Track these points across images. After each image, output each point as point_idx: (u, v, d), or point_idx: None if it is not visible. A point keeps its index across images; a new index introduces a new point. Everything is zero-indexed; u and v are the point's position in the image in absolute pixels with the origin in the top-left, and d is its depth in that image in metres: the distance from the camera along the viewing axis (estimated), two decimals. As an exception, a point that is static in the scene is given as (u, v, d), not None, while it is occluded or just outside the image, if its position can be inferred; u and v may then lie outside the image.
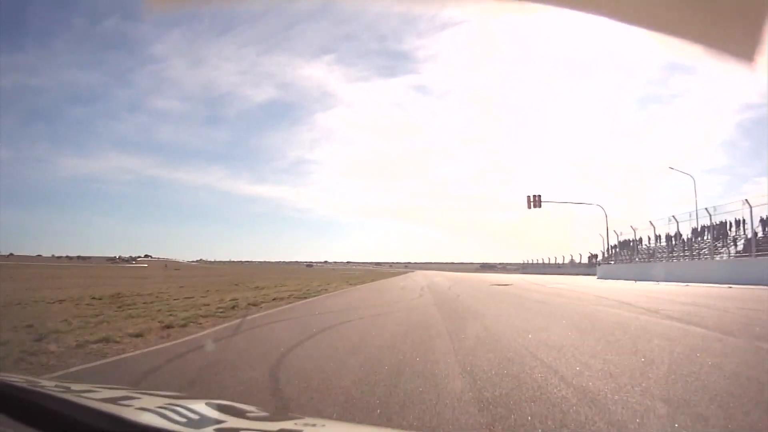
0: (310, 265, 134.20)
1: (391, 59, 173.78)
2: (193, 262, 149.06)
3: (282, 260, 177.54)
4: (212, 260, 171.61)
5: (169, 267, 71.15)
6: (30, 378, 1.54)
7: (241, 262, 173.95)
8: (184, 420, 1.03)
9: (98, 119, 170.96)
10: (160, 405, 1.10)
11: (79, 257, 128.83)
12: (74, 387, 1.37)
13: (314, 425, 1.10)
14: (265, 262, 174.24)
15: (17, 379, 1.37)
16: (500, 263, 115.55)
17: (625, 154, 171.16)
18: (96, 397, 1.23)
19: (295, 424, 1.09)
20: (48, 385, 1.36)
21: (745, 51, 1.04)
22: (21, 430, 1.03)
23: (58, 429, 1.02)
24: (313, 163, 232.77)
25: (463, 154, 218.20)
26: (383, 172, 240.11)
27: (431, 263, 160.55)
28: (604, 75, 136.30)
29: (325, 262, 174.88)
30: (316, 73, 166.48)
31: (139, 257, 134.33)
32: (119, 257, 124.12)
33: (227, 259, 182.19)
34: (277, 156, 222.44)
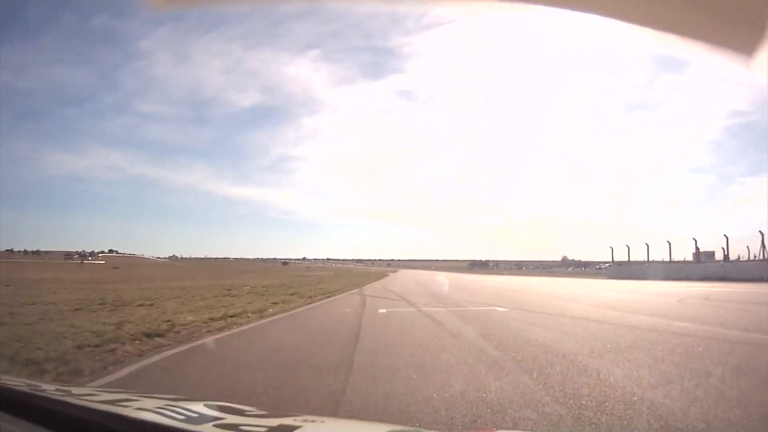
0: (286, 262, 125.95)
1: (377, 57, 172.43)
2: (161, 258, 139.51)
3: (260, 257, 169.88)
4: (187, 257, 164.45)
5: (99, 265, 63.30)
6: (30, 382, 1.54)
7: (215, 259, 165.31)
8: (182, 417, 1.04)
9: (79, 115, 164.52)
10: (158, 406, 1.12)
11: (34, 252, 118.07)
12: (75, 391, 1.45)
13: (313, 421, 1.18)
14: (241, 258, 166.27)
15: (18, 382, 1.43)
16: (493, 260, 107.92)
17: (610, 155, 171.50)
18: (96, 399, 1.27)
19: (294, 420, 1.12)
20: (48, 388, 1.39)
21: (744, 49, 0.97)
22: (21, 427, 1.05)
23: (58, 429, 1.04)
24: (296, 165, 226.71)
25: (446, 155, 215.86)
26: (366, 173, 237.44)
27: (415, 261, 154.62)
28: (593, 74, 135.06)
29: (304, 258, 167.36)
30: (302, 71, 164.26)
31: (103, 252, 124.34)
32: (78, 253, 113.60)
33: (203, 256, 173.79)
34: (261, 156, 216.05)
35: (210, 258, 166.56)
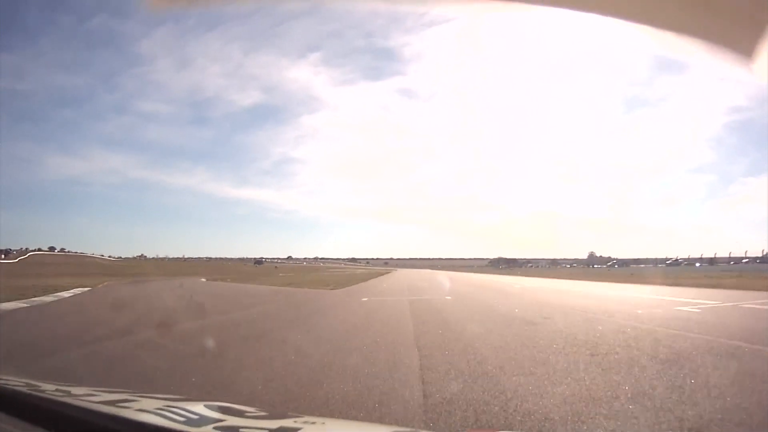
0: (259, 261, 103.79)
1: (377, 58, 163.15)
2: (112, 257, 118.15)
3: (246, 256, 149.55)
4: (163, 256, 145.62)
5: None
6: (30, 381, 1.50)
7: (185, 258, 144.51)
8: (183, 419, 1.02)
9: (74, 117, 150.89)
10: (158, 407, 1.11)
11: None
12: (74, 391, 1.39)
13: (314, 423, 1.12)
14: (218, 258, 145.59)
15: (17, 382, 1.40)
16: (524, 259, 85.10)
17: (611, 154, 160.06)
18: (96, 400, 1.25)
19: (295, 421, 1.09)
20: (48, 388, 1.36)
21: (744, 50, 0.96)
22: (21, 427, 1.03)
23: (57, 430, 1.01)
24: (295, 165, 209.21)
25: (447, 153, 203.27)
26: (366, 172, 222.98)
27: (416, 259, 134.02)
28: (593, 73, 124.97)
29: (289, 257, 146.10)
30: (302, 72, 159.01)
31: (40, 250, 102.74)
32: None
33: (179, 255, 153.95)
34: (260, 156, 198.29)
35: (182, 258, 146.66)
